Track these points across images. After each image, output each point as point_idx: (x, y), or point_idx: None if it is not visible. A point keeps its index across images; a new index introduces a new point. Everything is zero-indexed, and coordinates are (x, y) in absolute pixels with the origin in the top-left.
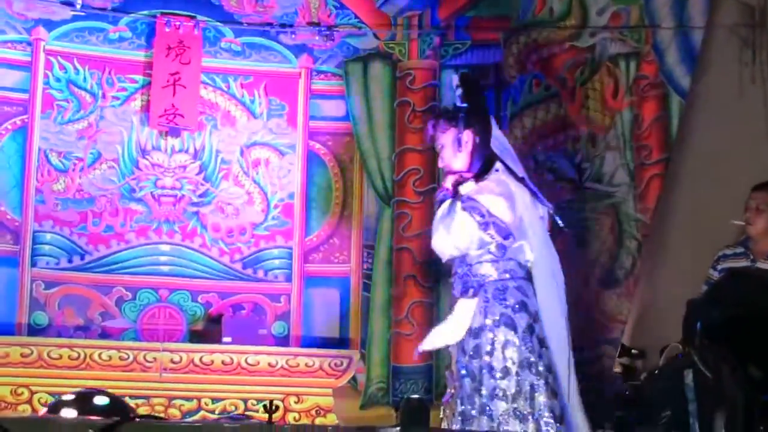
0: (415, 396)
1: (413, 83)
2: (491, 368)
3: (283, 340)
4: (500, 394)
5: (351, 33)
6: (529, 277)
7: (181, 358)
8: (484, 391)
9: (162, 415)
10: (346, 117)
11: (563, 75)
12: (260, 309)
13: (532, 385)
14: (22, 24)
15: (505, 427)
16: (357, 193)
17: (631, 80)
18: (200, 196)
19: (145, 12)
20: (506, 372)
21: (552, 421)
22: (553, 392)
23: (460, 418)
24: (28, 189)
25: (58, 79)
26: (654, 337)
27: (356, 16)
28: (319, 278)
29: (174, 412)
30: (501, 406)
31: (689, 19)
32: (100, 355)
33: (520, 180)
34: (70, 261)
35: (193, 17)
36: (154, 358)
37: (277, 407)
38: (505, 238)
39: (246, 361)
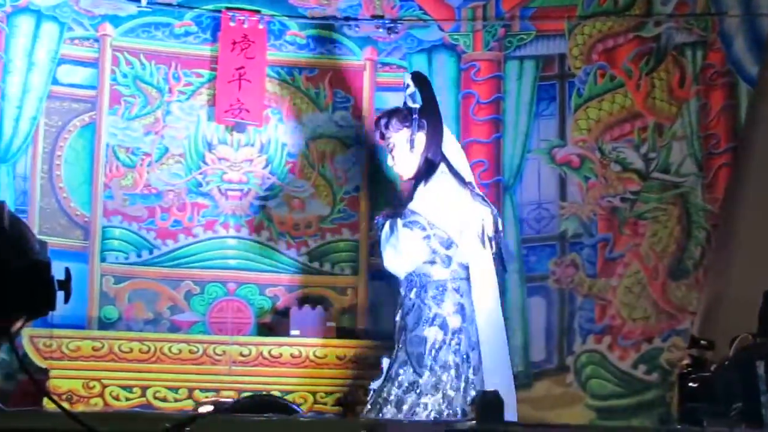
0: (491, 389)
1: (478, 75)
2: (417, 363)
3: (350, 333)
4: (415, 388)
5: (415, 25)
6: (468, 276)
7: (250, 351)
8: (402, 384)
9: None
10: None
11: (628, 65)
12: (327, 302)
13: (447, 387)
14: (89, 20)
15: (415, 419)
16: None
17: (697, 69)
18: (266, 189)
19: (210, 7)
20: (425, 368)
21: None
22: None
23: (369, 406)
24: (97, 185)
25: (124, 75)
26: (724, 328)
27: (420, 8)
28: (385, 271)
29: None
30: (412, 398)
31: (757, 6)
32: (170, 348)
33: (467, 184)
34: (139, 255)
35: (257, 11)
36: (224, 351)
37: (353, 400)
38: (448, 248)
39: (314, 354)
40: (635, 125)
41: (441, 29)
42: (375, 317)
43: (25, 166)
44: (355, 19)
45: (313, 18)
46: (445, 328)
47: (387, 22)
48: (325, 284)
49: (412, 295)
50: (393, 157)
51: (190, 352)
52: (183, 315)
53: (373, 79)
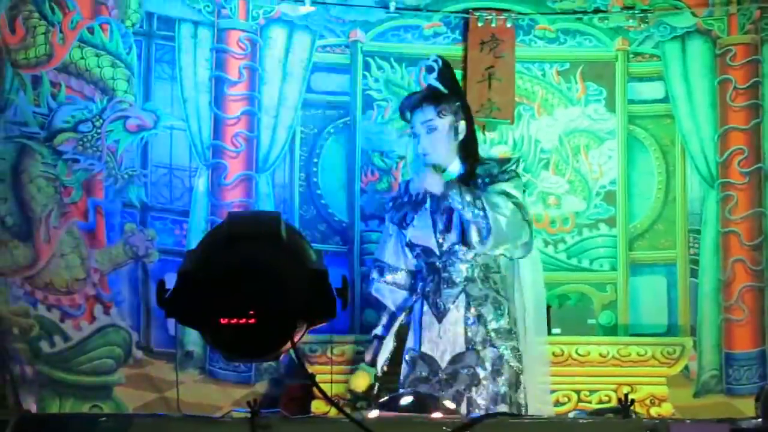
0: None
1: (734, 60)
2: (515, 358)
3: (611, 330)
4: (518, 383)
5: (667, 12)
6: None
7: None
8: (500, 380)
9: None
10: (665, 99)
11: None
12: (587, 299)
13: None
14: (340, 27)
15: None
16: (680, 177)
17: None
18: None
19: (458, 7)
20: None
21: None
22: None
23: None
24: (353, 189)
25: (376, 79)
26: None
27: None
28: (644, 265)
29: None
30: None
31: None
32: None
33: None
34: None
35: (505, 10)
36: None
37: (633, 401)
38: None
39: (576, 352)
40: None
41: (694, 15)
42: (635, 313)
43: (283, 174)
44: (605, 12)
45: (562, 12)
46: (515, 319)
47: (638, 12)
48: (584, 281)
49: (481, 285)
50: (432, 143)
51: None
52: None
53: (625, 69)
